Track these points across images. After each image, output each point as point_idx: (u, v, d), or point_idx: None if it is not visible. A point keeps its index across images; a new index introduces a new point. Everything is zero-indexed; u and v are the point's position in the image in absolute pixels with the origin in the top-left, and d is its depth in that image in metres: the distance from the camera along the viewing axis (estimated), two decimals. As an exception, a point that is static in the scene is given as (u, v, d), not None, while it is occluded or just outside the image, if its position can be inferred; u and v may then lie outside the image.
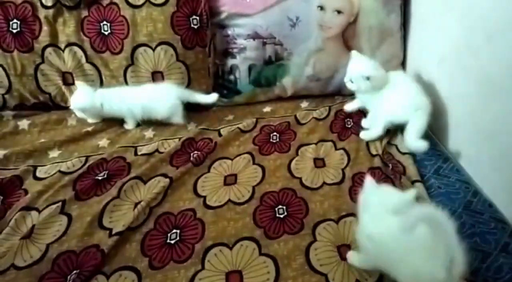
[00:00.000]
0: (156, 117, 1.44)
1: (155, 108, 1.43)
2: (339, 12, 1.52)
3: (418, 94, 1.33)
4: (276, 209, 1.12)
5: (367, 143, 1.37)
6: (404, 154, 1.32)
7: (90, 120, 1.45)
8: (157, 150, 1.33)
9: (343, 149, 1.35)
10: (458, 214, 1.09)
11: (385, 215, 0.89)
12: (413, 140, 1.30)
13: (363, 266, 0.96)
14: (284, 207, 1.13)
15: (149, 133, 1.43)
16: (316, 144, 1.36)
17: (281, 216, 1.10)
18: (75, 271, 0.95)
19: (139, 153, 1.32)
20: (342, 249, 1.01)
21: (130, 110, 1.42)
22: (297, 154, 1.32)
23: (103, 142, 1.38)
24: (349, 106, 1.48)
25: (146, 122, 1.45)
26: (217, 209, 1.12)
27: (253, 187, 1.18)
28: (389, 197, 0.92)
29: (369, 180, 0.95)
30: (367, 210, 0.93)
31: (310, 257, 1.00)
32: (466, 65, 1.26)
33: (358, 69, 1.36)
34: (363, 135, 1.39)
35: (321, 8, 1.50)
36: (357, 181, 1.21)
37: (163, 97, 1.43)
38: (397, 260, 0.87)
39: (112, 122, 1.45)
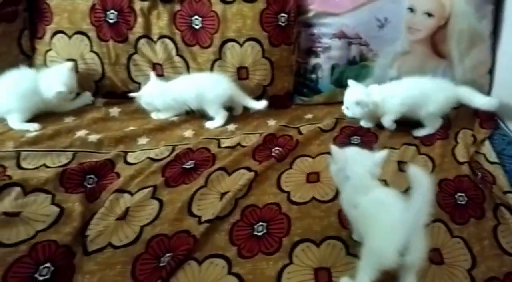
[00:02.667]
0: (208, 107, 1.46)
1: (212, 97, 1.44)
2: (429, 15, 1.49)
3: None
4: (362, 209, 1.12)
5: (453, 150, 1.34)
6: (493, 163, 1.28)
7: (153, 115, 1.49)
8: (239, 144, 1.36)
9: (427, 154, 1.33)
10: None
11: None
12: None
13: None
14: (370, 208, 1.12)
15: (231, 127, 1.46)
16: (399, 148, 1.35)
17: (367, 217, 1.10)
18: (168, 254, 0.99)
19: (222, 145, 1.35)
20: (432, 253, 1.00)
21: (183, 104, 1.46)
22: (380, 157, 1.31)
23: (188, 133, 1.42)
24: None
25: (228, 117, 1.48)
26: (302, 206, 1.13)
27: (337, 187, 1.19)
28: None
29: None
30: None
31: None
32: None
33: (350, 95, 1.39)
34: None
35: (411, 10, 1.48)
36: (444, 188, 1.19)
37: (217, 85, 1.45)
38: (365, 228, 0.92)
39: (196, 115, 1.49)
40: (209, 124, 1.45)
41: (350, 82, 1.41)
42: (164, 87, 1.45)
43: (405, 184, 1.18)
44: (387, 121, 1.41)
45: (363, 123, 1.45)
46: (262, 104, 1.48)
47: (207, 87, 1.44)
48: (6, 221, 1.02)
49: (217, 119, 1.46)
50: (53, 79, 1.42)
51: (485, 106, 1.41)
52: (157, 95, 1.44)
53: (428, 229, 1.04)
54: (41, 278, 0.93)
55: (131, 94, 1.46)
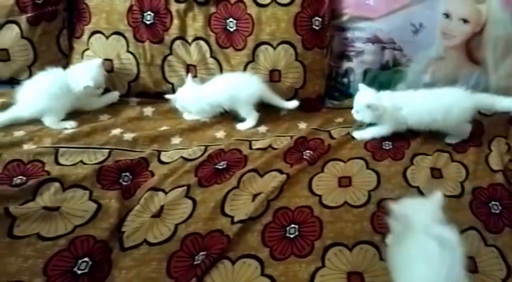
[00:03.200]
0: (240, 107, 1.47)
1: (244, 97, 1.45)
2: (465, 21, 1.47)
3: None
4: (395, 215, 1.12)
5: (487, 158, 1.33)
6: (528, 172, 1.27)
7: (186, 115, 1.50)
8: (270, 146, 1.37)
9: (460, 162, 1.32)
10: None
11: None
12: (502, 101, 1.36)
13: None
14: (403, 215, 1.12)
15: (262, 129, 1.47)
16: (432, 154, 1.34)
17: (400, 223, 1.10)
18: (202, 253, 1.01)
19: (253, 147, 1.36)
20: (467, 261, 0.99)
21: (217, 106, 1.47)
22: (411, 163, 1.31)
23: (220, 134, 1.43)
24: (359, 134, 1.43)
25: (258, 119, 1.49)
26: (334, 209, 1.13)
27: (369, 192, 1.19)
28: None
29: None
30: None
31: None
32: None
33: (361, 99, 1.38)
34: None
35: (447, 16, 1.47)
36: (477, 196, 1.18)
37: (249, 85, 1.46)
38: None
39: (227, 116, 1.50)
40: (240, 126, 1.47)
41: (361, 86, 1.40)
42: (199, 92, 1.47)
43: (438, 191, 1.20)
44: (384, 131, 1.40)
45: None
46: (293, 104, 1.49)
47: (240, 87, 1.45)
48: (46, 215, 1.06)
49: (249, 121, 1.47)
50: (81, 74, 1.45)
51: (507, 107, 1.38)
52: (192, 100, 1.46)
53: (462, 236, 1.05)
54: (79, 272, 0.96)
55: (167, 96, 1.48)
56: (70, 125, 1.41)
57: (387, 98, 1.37)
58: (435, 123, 1.36)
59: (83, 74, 1.45)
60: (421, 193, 1.18)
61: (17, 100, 1.42)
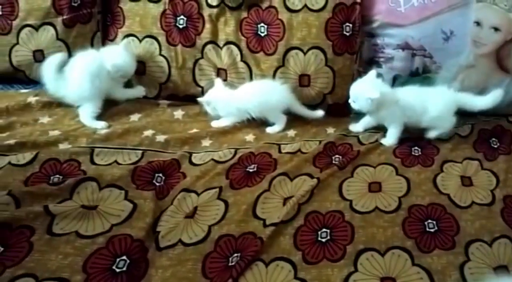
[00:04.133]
0: (268, 115, 1.49)
1: (271, 106, 1.47)
2: (496, 29, 1.47)
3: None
4: (426, 223, 1.12)
5: (518, 166, 1.32)
6: (560, 180, 1.26)
7: (214, 123, 1.51)
8: (299, 150, 1.38)
9: (490, 170, 1.31)
10: None
11: None
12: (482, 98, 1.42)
13: None
14: (434, 222, 1.12)
15: (290, 133, 1.48)
16: (461, 162, 1.34)
17: (432, 230, 1.10)
18: (236, 254, 1.03)
19: (283, 151, 1.37)
20: (498, 270, 1.00)
21: (244, 112, 1.48)
22: (441, 170, 1.31)
23: (249, 137, 1.45)
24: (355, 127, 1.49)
25: (287, 123, 1.50)
26: (365, 215, 1.14)
27: (399, 198, 1.19)
28: None
29: None
30: None
31: (465, 275, 0.99)
32: None
33: (358, 89, 1.39)
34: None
35: (478, 24, 1.47)
36: (509, 204, 1.18)
37: (278, 93, 1.48)
38: None
39: (256, 120, 1.51)
40: (269, 130, 1.48)
41: (371, 73, 1.41)
42: (228, 96, 1.49)
43: (469, 199, 1.20)
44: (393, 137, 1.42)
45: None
46: (319, 113, 1.51)
47: (268, 96, 1.47)
48: (84, 214, 1.09)
49: (278, 125, 1.49)
50: (110, 54, 1.50)
51: (487, 105, 1.42)
52: (221, 102, 1.48)
53: (494, 245, 1.06)
54: (118, 270, 0.98)
55: (199, 99, 1.51)
56: (100, 126, 1.44)
57: (384, 90, 1.38)
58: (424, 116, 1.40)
59: (112, 54, 1.50)
60: (451, 201, 1.19)
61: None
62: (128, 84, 1.60)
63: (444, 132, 1.43)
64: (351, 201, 1.18)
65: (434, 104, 1.40)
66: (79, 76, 1.46)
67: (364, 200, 1.18)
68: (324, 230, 1.10)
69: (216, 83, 1.52)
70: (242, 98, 1.48)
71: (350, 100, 1.42)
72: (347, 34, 1.50)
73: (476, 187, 1.25)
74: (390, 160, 1.35)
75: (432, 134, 1.42)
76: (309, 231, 1.10)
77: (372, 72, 1.41)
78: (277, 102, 1.48)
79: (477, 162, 1.35)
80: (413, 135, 1.44)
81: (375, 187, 1.24)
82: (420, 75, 1.53)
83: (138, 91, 1.59)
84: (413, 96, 1.42)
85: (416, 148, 1.40)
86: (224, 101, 1.48)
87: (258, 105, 1.47)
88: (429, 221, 1.13)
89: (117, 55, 1.50)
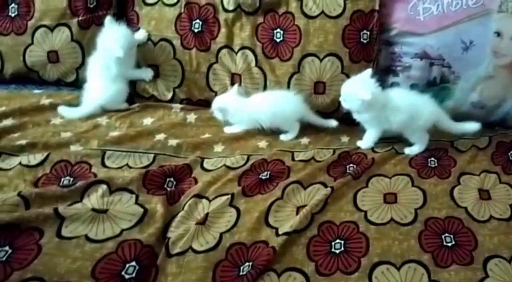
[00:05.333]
0: (280, 125, 1.47)
1: (284, 117, 1.46)
2: (517, 40, 1.44)
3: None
4: (443, 236, 1.09)
5: (537, 179, 1.29)
6: None
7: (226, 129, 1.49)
8: (313, 158, 1.36)
9: (508, 183, 1.28)
10: None
11: None
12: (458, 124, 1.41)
13: None
14: (451, 236, 1.09)
15: (304, 140, 1.46)
16: (479, 174, 1.31)
17: (449, 244, 1.07)
18: (247, 263, 1.00)
19: (296, 159, 1.35)
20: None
21: (256, 121, 1.46)
22: (458, 182, 1.28)
23: (262, 143, 1.43)
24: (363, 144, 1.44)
25: (300, 130, 1.48)
26: (380, 226, 1.11)
27: (416, 210, 1.16)
28: None
29: None
30: None
31: (484, 292, 0.96)
32: None
33: (350, 88, 1.36)
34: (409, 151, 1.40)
35: (498, 34, 1.44)
36: (527, 219, 1.15)
37: (291, 104, 1.46)
38: None
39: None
40: (283, 137, 1.46)
41: (367, 72, 1.38)
42: (241, 103, 1.47)
43: (487, 213, 1.17)
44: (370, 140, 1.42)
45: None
46: (332, 123, 1.49)
47: (281, 107, 1.45)
48: (94, 217, 1.07)
49: (291, 132, 1.47)
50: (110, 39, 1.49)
51: (458, 131, 1.42)
52: (233, 109, 1.46)
53: None
54: (127, 276, 0.96)
55: (212, 108, 1.48)
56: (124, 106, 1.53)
57: (376, 92, 1.35)
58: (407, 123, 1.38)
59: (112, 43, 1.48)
60: (469, 214, 1.16)
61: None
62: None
63: (421, 150, 1.40)
64: (366, 212, 1.15)
65: (422, 114, 1.38)
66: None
67: (379, 211, 1.16)
68: (338, 241, 1.07)
69: (230, 89, 1.51)
70: (255, 108, 1.47)
71: (340, 99, 1.40)
72: (364, 41, 1.48)
73: (494, 200, 1.21)
74: (406, 170, 1.32)
75: (409, 151, 1.39)
76: (322, 241, 1.07)
77: (367, 71, 1.38)
78: (290, 113, 1.46)
79: (495, 175, 1.31)
80: (429, 146, 1.42)
81: (390, 198, 1.21)
82: (438, 85, 1.50)
83: (146, 73, 1.58)
84: (403, 100, 1.40)
85: (432, 158, 1.37)
86: (236, 109, 1.46)
87: (271, 117, 1.45)
88: (446, 234, 1.09)
89: (115, 38, 1.48)
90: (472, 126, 1.40)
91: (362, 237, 1.08)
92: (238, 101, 1.48)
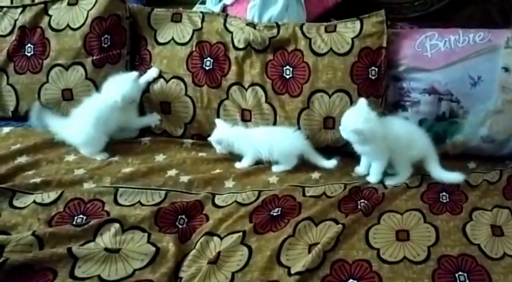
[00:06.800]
0: (278, 159, 1.48)
1: (281, 151, 1.47)
2: (524, 75, 1.45)
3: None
4: (457, 275, 1.08)
5: (551, 215, 1.28)
6: None
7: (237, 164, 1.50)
8: (324, 193, 1.36)
9: (521, 218, 1.27)
10: None
11: None
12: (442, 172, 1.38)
13: None
14: (465, 274, 1.08)
15: (315, 175, 1.46)
16: (491, 209, 1.30)
17: (463, 283, 1.06)
18: (260, 305, 1.00)
19: (307, 194, 1.36)
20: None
21: (257, 150, 1.48)
22: (470, 218, 1.27)
23: (272, 179, 1.44)
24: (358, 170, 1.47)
25: (311, 164, 1.49)
26: (394, 265, 1.11)
27: (428, 247, 1.16)
28: None
29: None
30: None
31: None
32: None
33: (348, 121, 1.37)
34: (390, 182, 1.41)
35: (506, 69, 1.45)
36: (544, 257, 1.13)
37: (291, 141, 1.48)
38: None
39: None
40: (274, 168, 1.47)
41: (360, 101, 1.38)
42: (239, 132, 1.51)
43: (500, 250, 1.15)
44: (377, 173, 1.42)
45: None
46: (332, 163, 1.48)
47: (279, 141, 1.47)
48: (107, 257, 1.08)
49: (284, 165, 1.47)
50: (113, 88, 1.50)
51: (441, 178, 1.39)
52: (233, 139, 1.48)
53: None
54: (140, 318, 0.97)
55: (210, 139, 1.51)
56: (100, 158, 1.48)
57: (374, 123, 1.35)
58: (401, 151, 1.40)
59: (115, 88, 1.50)
60: (482, 252, 1.15)
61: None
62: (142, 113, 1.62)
63: (401, 181, 1.40)
64: (378, 250, 1.15)
65: (417, 144, 1.40)
66: (83, 121, 1.49)
67: (392, 249, 1.15)
68: (351, 280, 1.07)
69: (218, 123, 1.53)
70: (255, 139, 1.49)
71: (340, 128, 1.40)
72: (373, 77, 1.51)
73: (508, 237, 1.20)
74: (418, 205, 1.31)
75: (390, 182, 1.40)
76: (335, 281, 1.07)
77: (362, 101, 1.38)
78: (288, 148, 1.47)
79: (507, 210, 1.30)
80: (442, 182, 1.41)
81: (403, 235, 1.20)
82: (447, 119, 1.51)
83: (153, 119, 1.61)
84: (401, 128, 1.42)
85: (444, 193, 1.36)
86: (236, 139, 1.48)
87: (269, 148, 1.47)
88: (460, 273, 1.08)
89: (120, 85, 1.50)
90: (456, 177, 1.38)
91: (375, 276, 1.08)
92: (237, 132, 1.51)
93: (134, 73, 1.54)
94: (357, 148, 1.42)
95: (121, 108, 1.50)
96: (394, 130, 1.40)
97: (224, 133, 1.50)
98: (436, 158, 1.41)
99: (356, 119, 1.36)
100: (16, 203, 1.25)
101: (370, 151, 1.40)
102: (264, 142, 1.48)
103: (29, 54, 1.63)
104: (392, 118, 1.48)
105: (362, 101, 1.39)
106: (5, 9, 1.66)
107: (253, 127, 1.56)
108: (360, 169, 1.47)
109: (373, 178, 1.42)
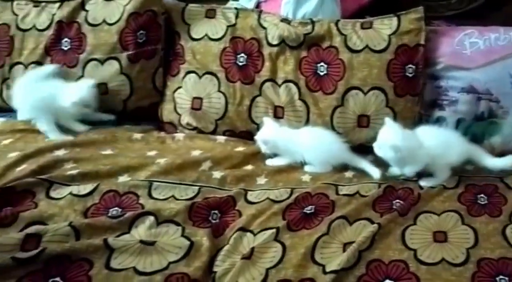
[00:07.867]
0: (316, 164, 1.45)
1: (324, 159, 1.45)
2: None
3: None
4: (497, 278, 1.05)
5: None
6: None
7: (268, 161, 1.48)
8: (358, 192, 1.34)
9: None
10: None
11: None
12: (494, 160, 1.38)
13: None
14: (507, 278, 1.05)
15: (348, 174, 1.44)
16: (532, 213, 1.26)
17: (504, 287, 1.03)
18: (295, 302, 0.99)
19: (340, 193, 1.33)
20: None
21: (300, 155, 1.46)
22: (510, 221, 1.23)
23: (305, 177, 1.42)
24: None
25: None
26: (432, 266, 1.08)
27: (467, 250, 1.12)
28: None
29: None
30: None
31: None
32: None
33: (385, 137, 1.35)
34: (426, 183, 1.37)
35: (548, 69, 1.42)
36: None
37: (338, 154, 1.46)
38: None
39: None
40: (307, 168, 1.45)
41: (387, 121, 1.36)
42: (287, 135, 1.48)
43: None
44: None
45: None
46: (376, 173, 1.42)
47: (326, 152, 1.45)
48: (142, 249, 1.08)
49: (318, 167, 1.45)
50: (72, 92, 1.55)
51: (493, 165, 1.38)
52: (281, 141, 1.46)
53: None
54: (175, 311, 0.97)
55: (257, 138, 1.49)
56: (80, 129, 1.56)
57: (410, 141, 1.33)
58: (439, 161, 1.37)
59: (74, 92, 1.54)
60: (522, 255, 1.11)
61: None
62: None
63: (437, 183, 1.37)
64: (415, 251, 1.12)
65: (454, 149, 1.38)
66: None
67: (430, 250, 1.12)
68: (387, 281, 1.05)
69: (267, 121, 1.51)
70: (301, 142, 1.46)
71: (375, 145, 1.37)
72: (410, 75, 1.48)
73: (550, 240, 1.17)
74: (455, 207, 1.28)
75: (426, 183, 1.37)
76: (371, 281, 1.05)
77: (388, 120, 1.36)
78: (334, 159, 1.45)
79: (546, 213, 1.26)
80: (478, 183, 1.38)
81: (440, 237, 1.17)
82: (486, 119, 1.48)
83: (106, 116, 1.64)
84: (435, 138, 1.38)
85: (482, 195, 1.33)
86: (284, 141, 1.46)
87: (308, 153, 1.45)
88: (501, 277, 1.05)
89: (75, 92, 1.54)
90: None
91: (412, 277, 1.05)
92: (284, 133, 1.48)
93: (91, 81, 1.58)
94: (393, 163, 1.39)
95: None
96: (428, 141, 1.36)
97: (272, 135, 1.48)
98: (482, 151, 1.39)
99: (393, 136, 1.33)
100: (53, 193, 1.26)
101: (406, 164, 1.37)
102: (310, 147, 1.46)
103: (65, 49, 1.66)
104: (425, 128, 1.43)
105: (389, 120, 1.36)
106: (43, 3, 1.69)
107: (300, 128, 1.52)
108: (394, 169, 1.44)
109: (424, 182, 1.38)
